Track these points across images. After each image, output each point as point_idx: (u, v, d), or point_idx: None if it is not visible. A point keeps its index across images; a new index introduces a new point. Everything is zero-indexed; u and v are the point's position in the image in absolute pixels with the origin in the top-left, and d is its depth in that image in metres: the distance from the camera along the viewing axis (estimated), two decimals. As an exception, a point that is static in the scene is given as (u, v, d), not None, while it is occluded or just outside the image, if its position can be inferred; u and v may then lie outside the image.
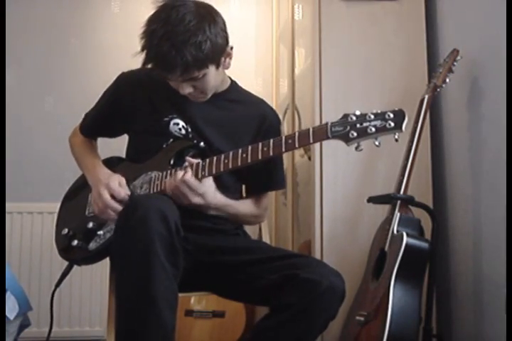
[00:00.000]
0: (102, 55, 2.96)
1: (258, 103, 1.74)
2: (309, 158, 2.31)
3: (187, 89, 1.53)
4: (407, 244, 1.73)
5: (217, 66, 1.53)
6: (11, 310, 2.00)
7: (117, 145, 1.80)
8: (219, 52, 1.50)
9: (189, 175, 1.45)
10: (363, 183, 2.13)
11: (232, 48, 1.56)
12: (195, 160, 1.50)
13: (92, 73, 2.93)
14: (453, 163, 2.10)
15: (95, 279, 2.68)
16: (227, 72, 1.73)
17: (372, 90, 2.18)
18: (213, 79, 1.54)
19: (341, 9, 2.21)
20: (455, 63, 1.94)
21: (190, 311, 2.43)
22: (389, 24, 2.22)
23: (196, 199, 1.48)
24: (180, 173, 1.46)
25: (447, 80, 1.95)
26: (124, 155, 1.76)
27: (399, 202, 1.85)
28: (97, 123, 1.75)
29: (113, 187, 1.52)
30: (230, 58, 1.57)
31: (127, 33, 2.86)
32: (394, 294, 1.70)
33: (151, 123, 1.62)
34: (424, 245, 1.77)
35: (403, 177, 1.88)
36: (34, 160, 2.88)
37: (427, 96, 1.96)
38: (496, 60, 1.80)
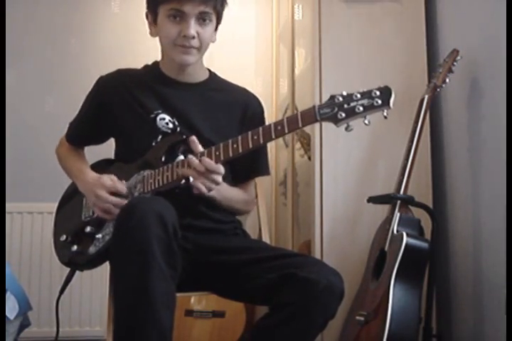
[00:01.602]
0: (102, 55, 2.95)
1: (240, 91, 1.75)
2: (309, 158, 2.31)
3: (193, 30, 1.54)
4: (407, 244, 1.73)
5: (216, 26, 1.62)
6: (11, 310, 2.00)
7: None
8: (221, 15, 1.62)
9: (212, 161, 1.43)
10: (363, 183, 2.13)
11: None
12: (200, 148, 1.45)
13: (92, 73, 2.91)
14: (453, 163, 2.10)
15: (95, 279, 2.68)
16: (228, 70, 1.74)
17: (372, 90, 2.17)
18: (210, 35, 1.60)
19: (341, 9, 2.21)
20: (455, 63, 1.94)
21: (190, 311, 2.43)
22: (389, 24, 2.21)
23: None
24: (205, 160, 1.41)
25: (447, 80, 1.95)
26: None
27: (399, 202, 1.85)
28: (82, 130, 1.75)
29: (106, 185, 1.52)
30: (216, 32, 1.65)
31: (127, 33, 2.85)
32: (394, 294, 1.70)
33: (138, 121, 1.62)
34: (424, 245, 1.77)
35: (403, 177, 1.88)
36: (34, 160, 2.87)
37: (427, 96, 1.96)
38: (496, 60, 1.80)
